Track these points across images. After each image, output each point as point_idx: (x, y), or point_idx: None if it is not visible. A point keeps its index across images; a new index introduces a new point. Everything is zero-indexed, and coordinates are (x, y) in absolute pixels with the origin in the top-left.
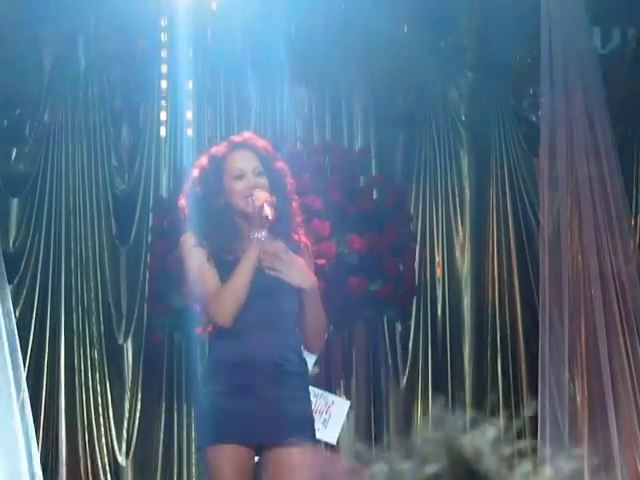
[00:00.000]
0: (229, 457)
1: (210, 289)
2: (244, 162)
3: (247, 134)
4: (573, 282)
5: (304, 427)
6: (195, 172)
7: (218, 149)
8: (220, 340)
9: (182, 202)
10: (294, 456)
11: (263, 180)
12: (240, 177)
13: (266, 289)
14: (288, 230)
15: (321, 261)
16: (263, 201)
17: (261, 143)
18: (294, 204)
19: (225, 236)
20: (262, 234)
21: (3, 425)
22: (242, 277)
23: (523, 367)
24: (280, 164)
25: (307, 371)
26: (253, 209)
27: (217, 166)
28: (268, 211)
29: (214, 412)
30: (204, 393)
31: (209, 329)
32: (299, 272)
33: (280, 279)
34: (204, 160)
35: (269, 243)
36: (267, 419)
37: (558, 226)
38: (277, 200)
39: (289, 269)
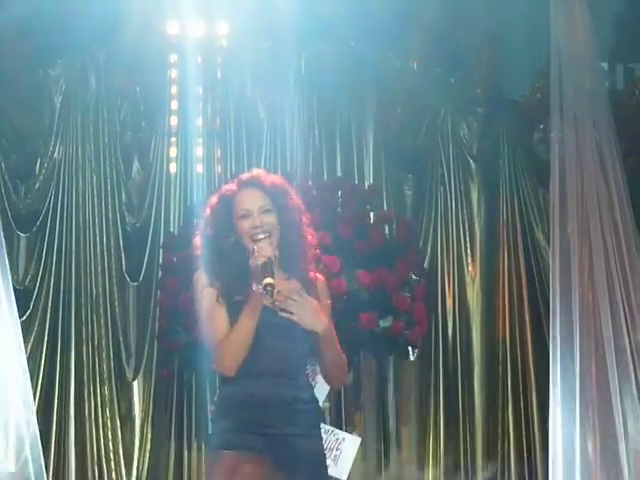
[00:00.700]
0: None
1: (217, 336)
2: (250, 201)
3: (256, 171)
4: (584, 314)
5: (316, 464)
6: (206, 211)
7: (228, 188)
8: (230, 379)
9: (196, 240)
10: None
11: (270, 218)
12: (246, 217)
13: (277, 330)
14: (301, 267)
15: (328, 301)
16: (264, 259)
17: (269, 180)
18: (309, 238)
19: (235, 275)
20: (275, 291)
21: None
22: (245, 328)
23: (534, 398)
24: (292, 200)
25: (319, 409)
26: (255, 264)
27: (226, 205)
28: (269, 280)
29: (224, 452)
30: (214, 431)
31: None
32: (312, 315)
33: (292, 321)
34: (214, 199)
35: (282, 283)
36: (278, 458)
37: (568, 259)
38: (288, 237)
39: (302, 311)
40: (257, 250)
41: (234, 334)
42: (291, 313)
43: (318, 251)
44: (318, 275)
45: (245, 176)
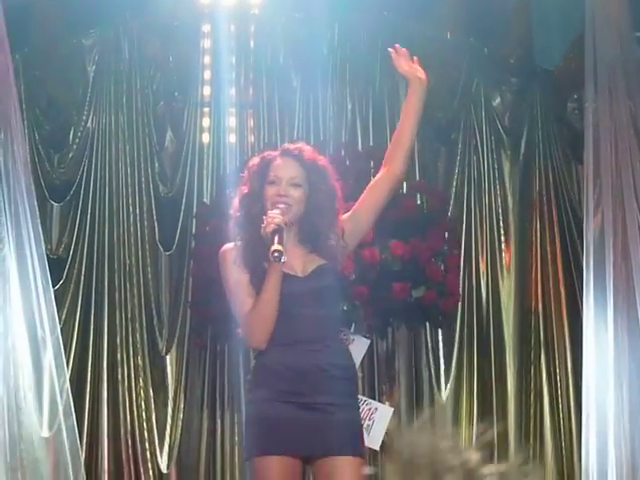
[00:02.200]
0: (277, 469)
1: (243, 310)
2: (283, 170)
3: (304, 145)
4: (618, 286)
5: (353, 435)
6: (245, 172)
7: (270, 152)
8: (263, 350)
9: (235, 201)
10: (345, 466)
11: (296, 192)
12: (274, 183)
13: (305, 297)
14: (324, 245)
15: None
16: (273, 226)
17: (312, 156)
18: (335, 225)
19: (258, 242)
20: (282, 257)
21: None
22: (267, 298)
23: (569, 367)
24: (328, 184)
25: (355, 376)
26: (265, 232)
27: (262, 169)
28: (276, 246)
29: (260, 421)
30: (250, 400)
31: None
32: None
33: (320, 286)
34: (255, 160)
35: (302, 256)
36: (315, 428)
37: (602, 231)
38: (313, 217)
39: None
40: (267, 218)
41: (258, 307)
42: None
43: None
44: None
45: (290, 145)
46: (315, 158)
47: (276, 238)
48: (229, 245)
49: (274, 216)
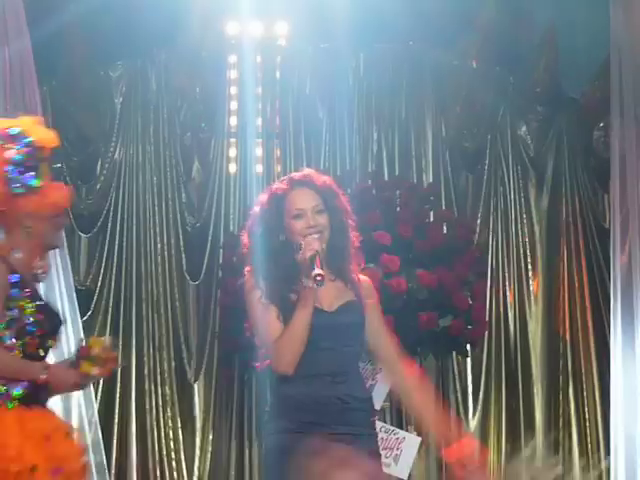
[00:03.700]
0: None
1: (272, 335)
2: (304, 201)
3: (308, 170)
4: None
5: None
6: (255, 209)
7: (279, 186)
8: (286, 379)
9: (244, 238)
10: None
11: (323, 218)
12: (299, 217)
13: (331, 331)
14: (347, 268)
15: (371, 300)
16: (312, 252)
17: (321, 180)
18: (354, 241)
19: (285, 274)
20: (324, 282)
21: None
22: (298, 326)
23: (596, 394)
24: (341, 201)
25: (373, 408)
26: (303, 258)
27: (278, 204)
28: (318, 270)
29: (279, 452)
30: (268, 431)
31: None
32: None
33: (346, 322)
34: (264, 197)
35: (328, 284)
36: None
37: (629, 261)
38: (335, 238)
39: None
40: (304, 244)
41: (290, 331)
42: None
43: (361, 255)
44: (362, 276)
45: (297, 175)
46: (323, 180)
47: (316, 262)
48: (250, 273)
49: (311, 242)
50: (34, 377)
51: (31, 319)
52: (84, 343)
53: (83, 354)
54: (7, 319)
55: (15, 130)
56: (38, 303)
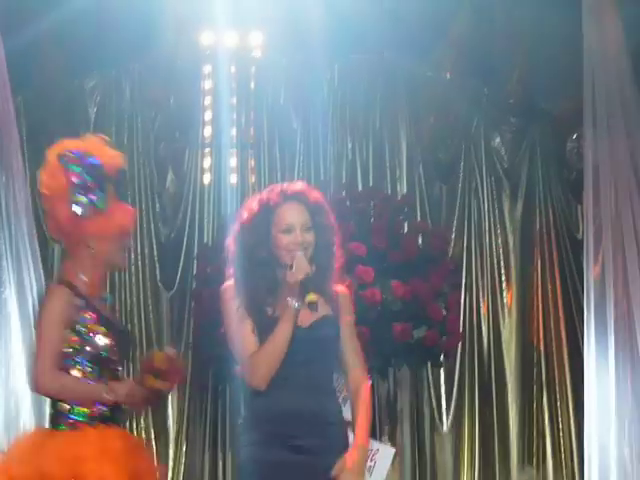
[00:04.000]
0: None
1: (247, 349)
2: (294, 216)
3: (300, 185)
4: (618, 324)
5: None
6: (244, 215)
7: (270, 197)
8: (260, 392)
9: (229, 243)
10: None
11: (310, 236)
12: (287, 231)
13: (309, 345)
14: (328, 285)
15: (349, 317)
16: (304, 275)
17: (313, 196)
18: (339, 259)
19: (265, 288)
20: (299, 303)
21: None
22: (278, 342)
23: (570, 405)
24: (329, 219)
25: (344, 420)
26: (294, 279)
27: (267, 215)
28: (315, 298)
29: (254, 464)
30: (242, 443)
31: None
32: None
33: (323, 336)
34: (254, 205)
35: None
36: (308, 470)
37: (602, 272)
38: (321, 255)
39: None
40: (296, 265)
41: (268, 348)
42: None
43: (343, 273)
44: (340, 287)
45: (290, 189)
46: (316, 198)
47: (309, 287)
48: (230, 282)
49: (301, 263)
50: (99, 399)
51: (102, 343)
52: (146, 357)
53: (146, 368)
54: (77, 346)
55: (80, 151)
56: (106, 325)
